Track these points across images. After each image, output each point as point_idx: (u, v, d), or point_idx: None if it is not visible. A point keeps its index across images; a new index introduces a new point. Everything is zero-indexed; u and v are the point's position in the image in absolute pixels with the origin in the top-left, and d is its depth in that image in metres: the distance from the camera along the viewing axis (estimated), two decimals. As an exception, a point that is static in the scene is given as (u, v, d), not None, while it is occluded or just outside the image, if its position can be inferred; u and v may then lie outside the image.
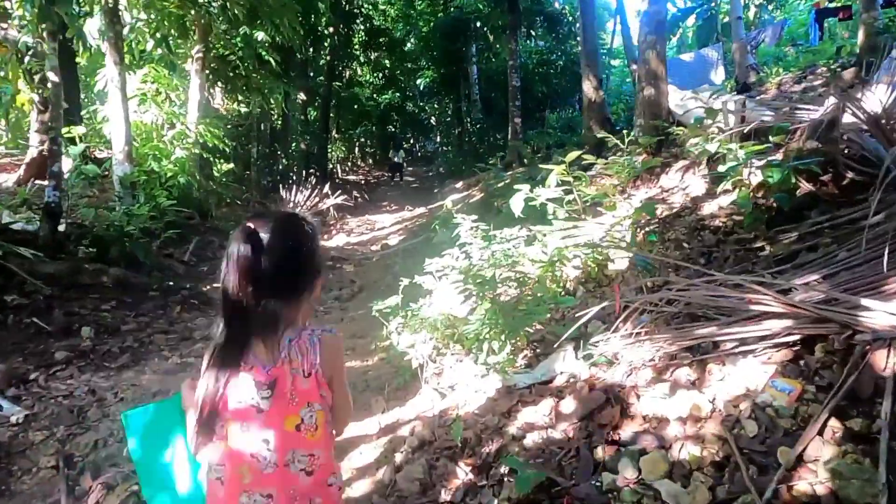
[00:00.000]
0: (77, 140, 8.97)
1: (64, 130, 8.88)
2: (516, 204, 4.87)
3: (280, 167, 17.65)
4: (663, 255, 4.39)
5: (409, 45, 28.47)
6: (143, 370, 4.71)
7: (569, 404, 2.94)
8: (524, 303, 3.89)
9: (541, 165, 7.93)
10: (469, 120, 23.39)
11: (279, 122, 19.66)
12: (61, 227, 7.93)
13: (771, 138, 4.74)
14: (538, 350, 3.80)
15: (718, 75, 18.73)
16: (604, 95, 13.12)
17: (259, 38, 12.65)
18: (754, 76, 18.06)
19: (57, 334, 5.37)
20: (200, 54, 11.74)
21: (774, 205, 4.14)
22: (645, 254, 4.28)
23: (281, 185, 16.60)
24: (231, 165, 11.98)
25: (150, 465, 1.60)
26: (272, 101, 14.98)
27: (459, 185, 16.99)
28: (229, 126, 17.26)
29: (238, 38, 12.81)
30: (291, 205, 13.00)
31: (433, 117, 40.85)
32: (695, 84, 19.16)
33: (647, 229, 4.65)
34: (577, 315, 3.67)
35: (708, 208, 4.93)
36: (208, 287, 7.74)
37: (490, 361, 3.53)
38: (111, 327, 5.63)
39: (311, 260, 1.47)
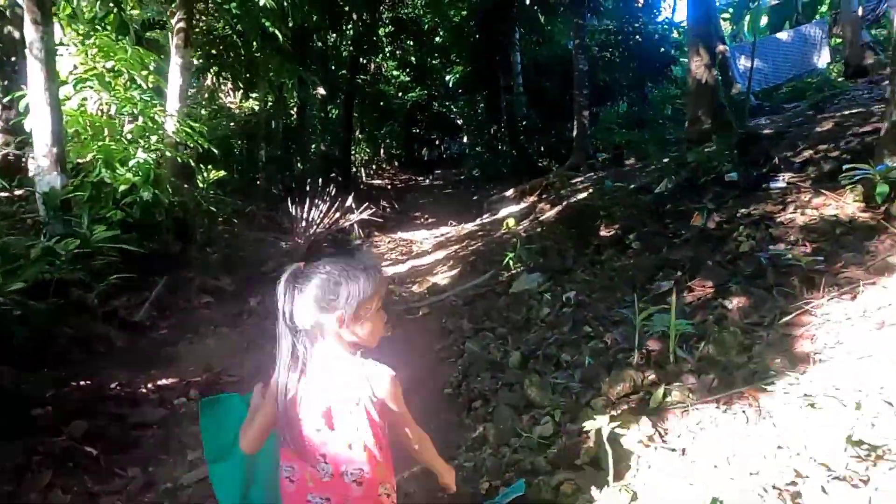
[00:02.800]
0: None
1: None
2: None
3: (295, 172, 14.37)
4: None
5: (437, 38, 25.06)
6: None
7: None
8: None
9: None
10: (508, 117, 19.91)
11: (294, 120, 16.40)
12: (-77, 280, 4.70)
13: None
14: None
15: (823, 58, 15.06)
16: (717, 76, 9.62)
17: (262, 5, 9.33)
18: (872, 58, 14.38)
19: None
20: (182, 24, 8.48)
21: None
22: None
23: (294, 195, 13.32)
24: (222, 172, 8.65)
25: (215, 439, 1.90)
26: (283, 91, 11.66)
27: (510, 192, 13.53)
28: (233, 124, 14.09)
29: (234, 4, 9.52)
30: (304, 223, 9.70)
31: (460, 117, 37.53)
32: (793, 69, 15.56)
33: None
34: None
35: None
36: (152, 387, 4.41)
37: None
38: None
39: (323, 299, 1.58)
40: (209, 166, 8.36)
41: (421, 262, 9.07)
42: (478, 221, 12.25)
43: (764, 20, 26.14)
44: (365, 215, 10.76)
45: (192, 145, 8.05)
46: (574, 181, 11.30)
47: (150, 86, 8.02)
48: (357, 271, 1.63)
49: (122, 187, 6.56)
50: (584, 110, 12.46)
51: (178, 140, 8.09)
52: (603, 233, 6.37)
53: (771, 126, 9.36)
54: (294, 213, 9.43)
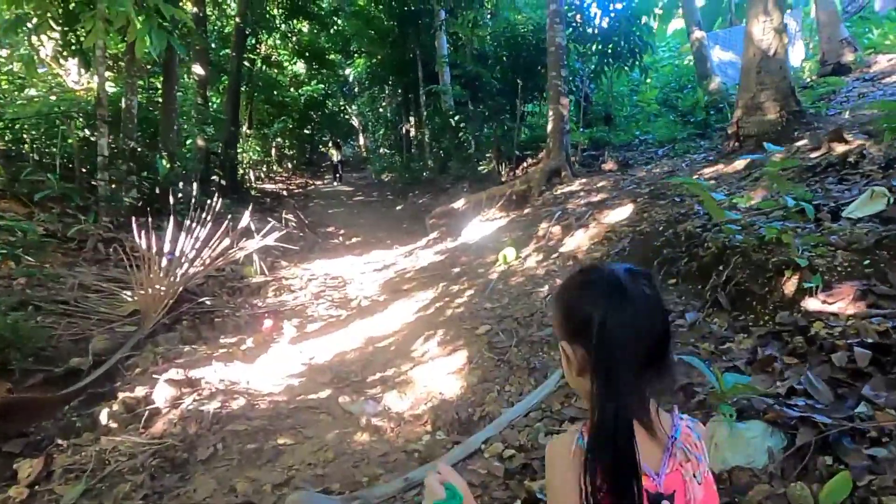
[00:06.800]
0: None
1: None
2: None
3: (160, 174, 9.71)
4: None
5: (337, 26, 20.74)
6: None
7: None
8: None
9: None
10: (432, 112, 16.26)
11: (158, 102, 11.62)
12: None
13: None
14: None
15: (796, 52, 12.86)
16: (788, 44, 6.58)
17: None
18: (851, 54, 12.36)
19: None
20: None
21: None
22: None
23: (155, 205, 8.77)
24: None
25: None
26: (134, 49, 7.19)
27: (460, 203, 9.92)
28: (53, 96, 9.32)
29: None
30: (167, 256, 5.43)
31: (357, 116, 33.48)
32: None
33: None
34: None
35: None
36: None
37: None
38: None
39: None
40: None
41: (377, 327, 5.14)
42: (430, 245, 8.47)
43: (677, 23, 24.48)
44: (271, 240, 6.59)
45: None
46: (566, 190, 7.88)
47: None
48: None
49: None
50: (563, 98, 9.09)
51: None
52: (817, 304, 2.89)
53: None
54: (148, 241, 5.12)
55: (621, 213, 5.70)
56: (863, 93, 9.81)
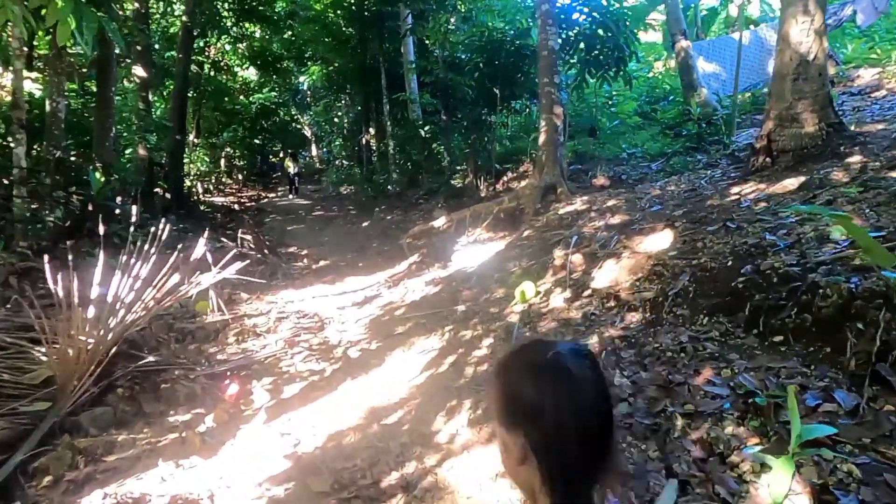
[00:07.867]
0: None
1: None
2: None
3: (93, 188, 8.19)
4: None
5: (291, 29, 19.35)
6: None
7: None
8: None
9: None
10: (397, 123, 15.17)
11: (90, 105, 10.07)
12: None
13: None
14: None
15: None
16: (830, 51, 5.86)
17: None
18: (833, 68, 12.02)
19: None
20: None
21: None
22: None
23: (87, 228, 7.32)
24: None
25: None
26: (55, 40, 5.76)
27: (441, 222, 8.87)
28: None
29: None
30: (98, 301, 4.12)
31: (308, 126, 32.09)
32: (750, 76, 12.82)
33: None
34: None
35: None
36: None
37: None
38: None
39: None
40: None
41: (377, 391, 3.98)
42: (414, 271, 7.33)
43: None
44: (231, 272, 5.34)
45: None
46: (569, 209, 6.92)
47: None
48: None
49: None
50: (557, 106, 8.18)
51: None
52: None
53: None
54: (67, 279, 3.82)
55: (660, 241, 4.76)
56: (857, 107, 9.36)
